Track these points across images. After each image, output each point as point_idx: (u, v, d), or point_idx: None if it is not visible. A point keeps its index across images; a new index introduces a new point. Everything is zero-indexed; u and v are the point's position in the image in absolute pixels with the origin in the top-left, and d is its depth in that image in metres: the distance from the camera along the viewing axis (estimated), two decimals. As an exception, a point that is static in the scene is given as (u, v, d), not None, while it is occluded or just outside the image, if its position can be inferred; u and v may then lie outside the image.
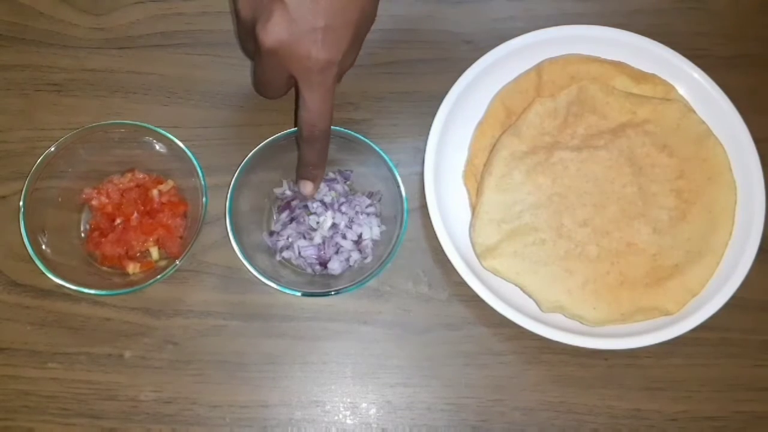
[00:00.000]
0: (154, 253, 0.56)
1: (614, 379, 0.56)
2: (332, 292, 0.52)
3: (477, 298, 0.54)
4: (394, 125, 0.62)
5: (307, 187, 0.54)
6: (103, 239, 0.55)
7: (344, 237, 0.56)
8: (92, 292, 0.52)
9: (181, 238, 0.56)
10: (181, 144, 0.55)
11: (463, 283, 0.55)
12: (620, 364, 0.56)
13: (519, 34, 0.60)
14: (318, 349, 0.57)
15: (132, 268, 0.56)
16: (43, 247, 0.53)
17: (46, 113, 0.62)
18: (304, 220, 0.57)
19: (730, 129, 0.58)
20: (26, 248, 0.52)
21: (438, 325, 0.57)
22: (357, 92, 0.62)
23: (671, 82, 0.60)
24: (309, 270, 0.57)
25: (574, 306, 0.54)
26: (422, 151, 0.58)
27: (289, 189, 0.58)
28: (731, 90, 0.59)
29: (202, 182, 0.54)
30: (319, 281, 0.56)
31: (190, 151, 0.55)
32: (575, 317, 0.54)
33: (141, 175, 0.58)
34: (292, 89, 0.55)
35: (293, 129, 0.54)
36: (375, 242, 0.57)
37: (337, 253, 0.56)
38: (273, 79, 0.51)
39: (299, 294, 0.52)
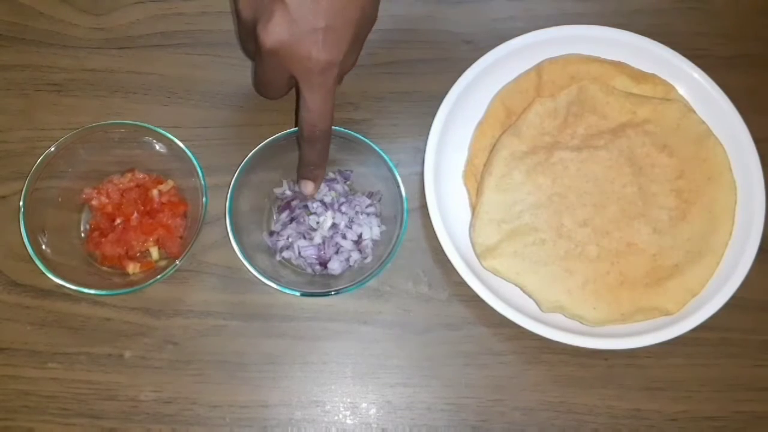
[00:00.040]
0: (154, 253, 0.56)
1: (614, 379, 0.56)
2: (332, 292, 0.52)
3: (477, 298, 0.54)
4: (394, 125, 0.62)
5: (308, 186, 0.54)
6: (103, 239, 0.55)
7: (344, 237, 0.56)
8: (92, 292, 0.52)
9: (181, 238, 0.56)
10: (181, 144, 0.55)
11: (463, 283, 0.55)
12: (620, 364, 0.56)
13: (519, 34, 0.60)
14: (318, 349, 0.57)
15: (132, 268, 0.56)
16: (43, 247, 0.53)
17: (46, 113, 0.62)
18: (304, 220, 0.57)
19: (730, 129, 0.58)
20: (26, 248, 0.52)
21: (438, 325, 0.57)
22: (357, 92, 0.62)
23: (671, 82, 0.60)
24: (309, 270, 0.57)
25: (574, 306, 0.54)
26: (422, 151, 0.58)
27: (289, 189, 0.58)
28: (731, 90, 0.59)
29: (202, 182, 0.54)
30: (319, 281, 0.56)
31: (190, 151, 0.55)
32: (575, 317, 0.54)
33: (141, 175, 0.58)
34: (293, 89, 0.55)
35: (293, 129, 0.54)
36: (375, 242, 0.57)
37: (337, 253, 0.56)
38: (274, 80, 0.51)
39: (299, 294, 0.52)
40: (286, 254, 0.57)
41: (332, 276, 0.56)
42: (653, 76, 0.60)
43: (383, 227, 0.57)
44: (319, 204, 0.57)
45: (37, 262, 0.52)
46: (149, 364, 0.56)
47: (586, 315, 0.54)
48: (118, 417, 0.55)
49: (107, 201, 0.56)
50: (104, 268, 0.56)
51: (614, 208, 0.56)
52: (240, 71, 0.63)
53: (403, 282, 0.58)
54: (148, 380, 0.56)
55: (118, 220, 0.56)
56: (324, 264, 0.56)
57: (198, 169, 0.55)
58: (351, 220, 0.57)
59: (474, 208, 0.57)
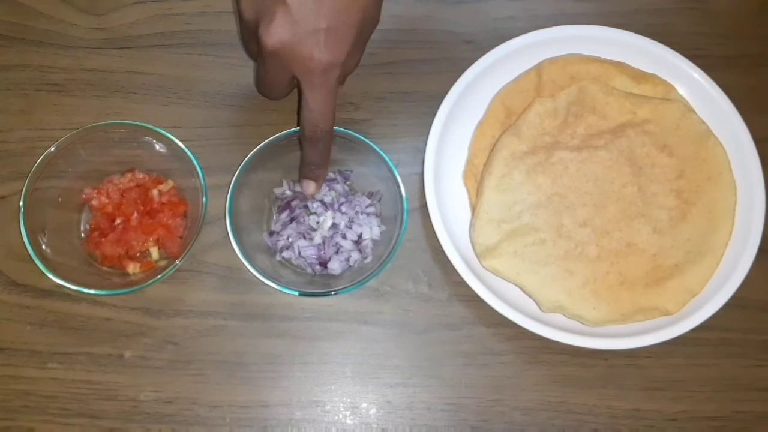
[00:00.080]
0: (154, 253, 0.56)
1: (614, 379, 0.56)
2: (332, 292, 0.52)
3: (477, 298, 0.54)
4: (394, 125, 0.62)
5: (309, 186, 0.54)
6: (103, 239, 0.55)
7: (344, 237, 0.56)
8: (92, 292, 0.52)
9: (181, 238, 0.56)
10: (181, 144, 0.55)
11: (463, 283, 0.55)
12: (620, 364, 0.56)
13: (519, 34, 0.60)
14: (318, 349, 0.57)
15: (132, 268, 0.56)
16: (43, 247, 0.53)
17: (46, 113, 0.62)
18: (304, 220, 0.57)
19: (730, 129, 0.58)
20: (26, 248, 0.52)
21: (438, 325, 0.57)
22: (357, 92, 0.62)
23: (671, 82, 0.60)
24: (309, 270, 0.57)
25: (574, 306, 0.54)
26: (422, 151, 0.58)
27: (289, 189, 0.58)
28: (731, 90, 0.59)
29: (202, 182, 0.54)
30: (319, 281, 0.56)
31: (190, 151, 0.55)
32: (575, 317, 0.54)
33: (141, 175, 0.58)
34: (295, 90, 0.55)
35: (294, 129, 0.54)
36: (375, 242, 0.57)
37: (337, 253, 0.56)
38: (276, 80, 0.51)
39: (299, 294, 0.52)
40: (286, 254, 0.57)
41: (332, 276, 0.56)
42: (653, 76, 0.60)
43: (383, 227, 0.57)
44: (319, 204, 0.57)
45: (37, 262, 0.52)
46: (149, 364, 0.56)
47: (586, 315, 0.54)
48: (118, 417, 0.55)
49: (107, 201, 0.56)
50: (104, 268, 0.56)
51: (614, 208, 0.56)
52: (240, 71, 0.63)
53: (403, 282, 0.58)
54: (148, 380, 0.56)
55: (118, 220, 0.56)
56: (324, 264, 0.56)
57: (198, 169, 0.55)
58: (351, 220, 0.57)
59: (474, 208, 0.57)
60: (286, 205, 0.58)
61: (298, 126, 0.52)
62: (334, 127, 0.52)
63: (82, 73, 0.63)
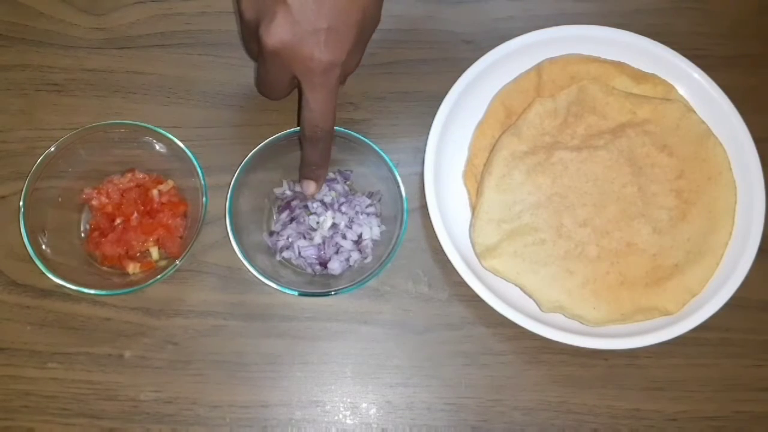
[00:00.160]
0: (154, 253, 0.56)
1: (614, 379, 0.56)
2: (332, 292, 0.52)
3: (477, 298, 0.54)
4: (394, 125, 0.62)
5: (310, 186, 0.54)
6: (103, 239, 0.55)
7: (344, 237, 0.56)
8: (92, 292, 0.52)
9: (181, 238, 0.56)
10: (181, 144, 0.55)
11: (463, 283, 0.55)
12: (620, 364, 0.56)
13: (519, 34, 0.60)
14: (318, 349, 0.57)
15: (132, 268, 0.56)
16: (43, 247, 0.53)
17: (46, 113, 0.62)
18: (304, 220, 0.57)
19: (730, 129, 0.58)
20: (26, 248, 0.52)
21: (438, 325, 0.57)
22: (357, 92, 0.62)
23: (671, 82, 0.60)
24: (309, 270, 0.57)
25: (574, 306, 0.54)
26: (422, 151, 0.58)
27: (289, 189, 0.58)
28: (731, 90, 0.59)
29: (202, 182, 0.54)
30: (319, 281, 0.56)
31: (190, 151, 0.55)
32: (575, 317, 0.54)
33: (141, 175, 0.58)
34: (295, 90, 0.55)
35: (294, 129, 0.54)
36: (375, 242, 0.57)
37: (337, 253, 0.56)
38: (276, 80, 0.51)
39: (298, 294, 0.52)
40: (286, 254, 0.57)
41: (332, 276, 0.56)
42: (653, 76, 0.60)
43: (383, 227, 0.57)
44: (319, 204, 0.57)
45: (37, 262, 0.52)
46: (149, 364, 0.56)
47: (586, 315, 0.54)
48: (118, 417, 0.55)
49: (107, 201, 0.56)
50: (104, 268, 0.56)
51: (614, 208, 0.56)
52: (240, 71, 0.63)
53: (403, 282, 0.58)
54: (148, 380, 0.56)
55: (118, 220, 0.56)
56: (324, 264, 0.56)
57: (198, 169, 0.55)
58: (351, 220, 0.57)
59: (474, 208, 0.57)
60: (286, 205, 0.58)
61: (298, 126, 0.52)
62: (335, 127, 0.52)
63: (82, 73, 0.63)
